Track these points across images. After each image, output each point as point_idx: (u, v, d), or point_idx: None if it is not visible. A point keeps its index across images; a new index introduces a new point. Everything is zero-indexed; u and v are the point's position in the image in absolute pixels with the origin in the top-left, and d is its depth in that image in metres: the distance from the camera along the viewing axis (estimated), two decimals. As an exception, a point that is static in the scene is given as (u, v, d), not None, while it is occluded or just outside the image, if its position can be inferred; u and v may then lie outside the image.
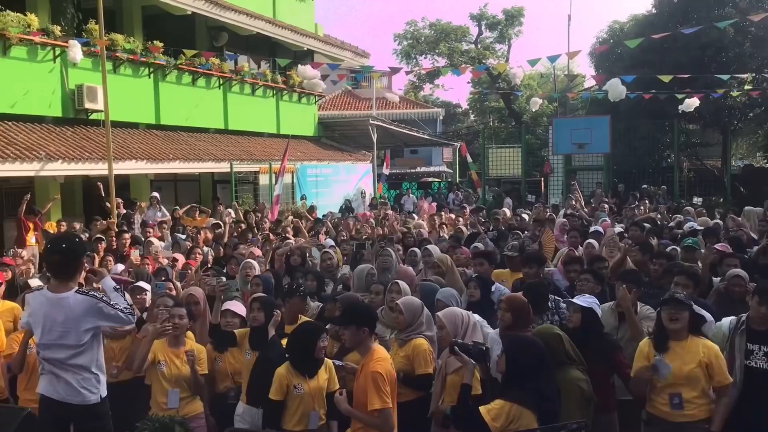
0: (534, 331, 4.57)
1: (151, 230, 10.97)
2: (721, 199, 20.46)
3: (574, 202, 13.89)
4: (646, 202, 14.95)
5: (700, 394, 4.36)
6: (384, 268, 7.36)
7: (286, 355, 4.70)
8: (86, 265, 6.54)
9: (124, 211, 13.49)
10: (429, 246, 7.87)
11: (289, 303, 5.62)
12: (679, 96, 15.60)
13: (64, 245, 4.26)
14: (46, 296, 4.15)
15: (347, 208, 19.13)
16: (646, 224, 9.91)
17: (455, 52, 36.52)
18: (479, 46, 37.59)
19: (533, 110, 23.34)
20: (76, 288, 4.18)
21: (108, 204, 12.50)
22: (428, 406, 4.67)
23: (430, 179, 33.14)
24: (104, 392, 4.31)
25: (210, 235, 10.67)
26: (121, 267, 7.85)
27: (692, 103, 15.28)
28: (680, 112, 15.54)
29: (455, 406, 4.06)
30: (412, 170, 35.11)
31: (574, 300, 4.89)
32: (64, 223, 12.04)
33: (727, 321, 4.86)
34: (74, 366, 4.14)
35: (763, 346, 4.53)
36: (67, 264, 4.19)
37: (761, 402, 4.44)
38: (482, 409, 3.72)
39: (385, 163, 25.98)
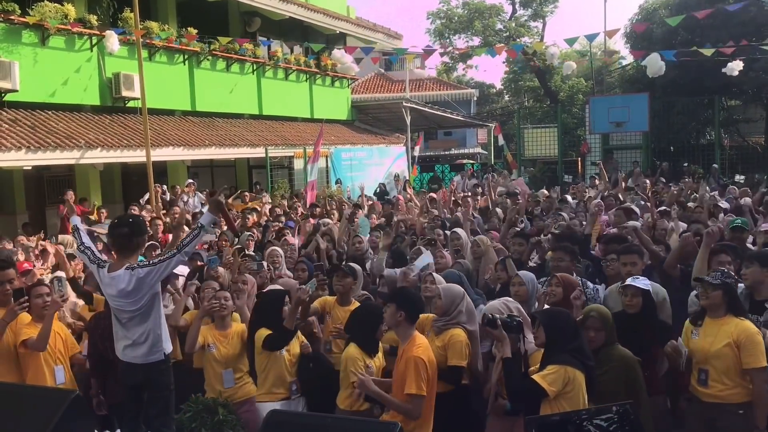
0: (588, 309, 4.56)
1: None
2: (765, 177, 19.94)
3: (597, 182, 13.74)
4: (687, 180, 14.64)
5: (729, 375, 4.28)
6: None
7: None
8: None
9: (167, 197, 13.76)
10: (456, 229, 7.84)
11: (343, 283, 5.63)
12: (722, 59, 15.09)
13: (131, 219, 4.60)
14: (104, 275, 4.44)
15: (382, 192, 19.03)
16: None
17: (489, 30, 36.04)
18: (513, 24, 37.04)
19: (567, 74, 22.83)
20: (128, 264, 4.37)
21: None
22: (460, 399, 4.66)
23: (464, 161, 32.93)
24: (168, 349, 4.56)
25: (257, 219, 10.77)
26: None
27: (736, 66, 14.76)
28: (725, 74, 15.05)
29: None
30: (446, 152, 34.90)
31: (633, 283, 4.80)
32: (104, 210, 12.26)
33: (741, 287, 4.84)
34: (136, 328, 4.42)
35: None
36: (131, 238, 4.45)
37: None
38: (536, 377, 3.77)
39: (416, 145, 25.81)
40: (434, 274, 5.60)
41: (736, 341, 4.24)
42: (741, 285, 4.92)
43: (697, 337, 4.46)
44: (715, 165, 19.93)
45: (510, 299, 4.69)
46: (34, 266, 7.12)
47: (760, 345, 4.26)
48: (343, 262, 6.80)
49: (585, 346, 3.95)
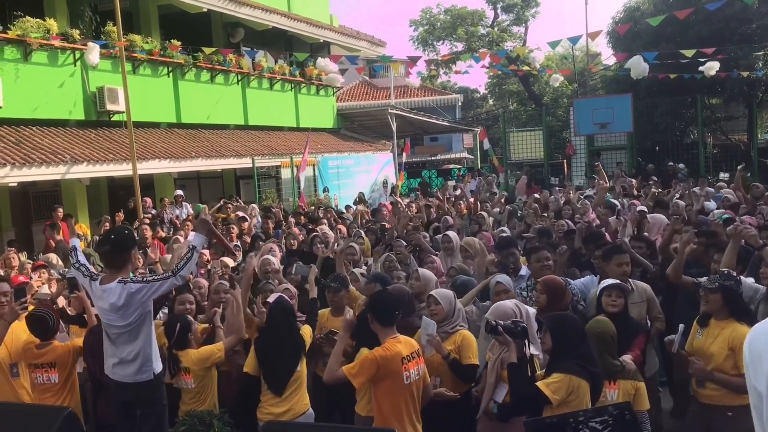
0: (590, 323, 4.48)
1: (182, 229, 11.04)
2: (749, 174, 20.09)
3: (599, 182, 13.75)
4: (679, 182, 14.64)
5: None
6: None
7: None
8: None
9: (153, 210, 13.69)
10: (449, 232, 7.82)
11: (336, 298, 5.65)
12: (701, 60, 15.28)
13: (112, 236, 4.51)
14: (96, 287, 4.39)
15: (360, 201, 18.82)
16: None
17: (473, 36, 36.29)
18: (496, 29, 37.31)
19: (554, 86, 23.01)
20: (120, 278, 4.31)
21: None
22: (471, 401, 4.63)
23: (450, 166, 32.96)
24: (158, 369, 4.50)
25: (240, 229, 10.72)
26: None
27: (713, 66, 14.98)
28: (701, 77, 15.25)
29: (503, 404, 4.12)
30: (432, 158, 34.94)
31: (618, 283, 4.85)
32: (82, 224, 12.15)
33: (763, 288, 4.88)
34: (124, 345, 4.36)
35: None
36: (115, 254, 4.38)
37: None
38: (540, 384, 3.75)
39: (403, 151, 25.75)
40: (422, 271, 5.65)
41: (731, 345, 4.20)
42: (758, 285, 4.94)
43: (701, 338, 4.45)
44: (681, 164, 19.99)
45: (519, 302, 4.65)
46: (30, 279, 7.07)
47: None
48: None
49: (592, 352, 3.89)
